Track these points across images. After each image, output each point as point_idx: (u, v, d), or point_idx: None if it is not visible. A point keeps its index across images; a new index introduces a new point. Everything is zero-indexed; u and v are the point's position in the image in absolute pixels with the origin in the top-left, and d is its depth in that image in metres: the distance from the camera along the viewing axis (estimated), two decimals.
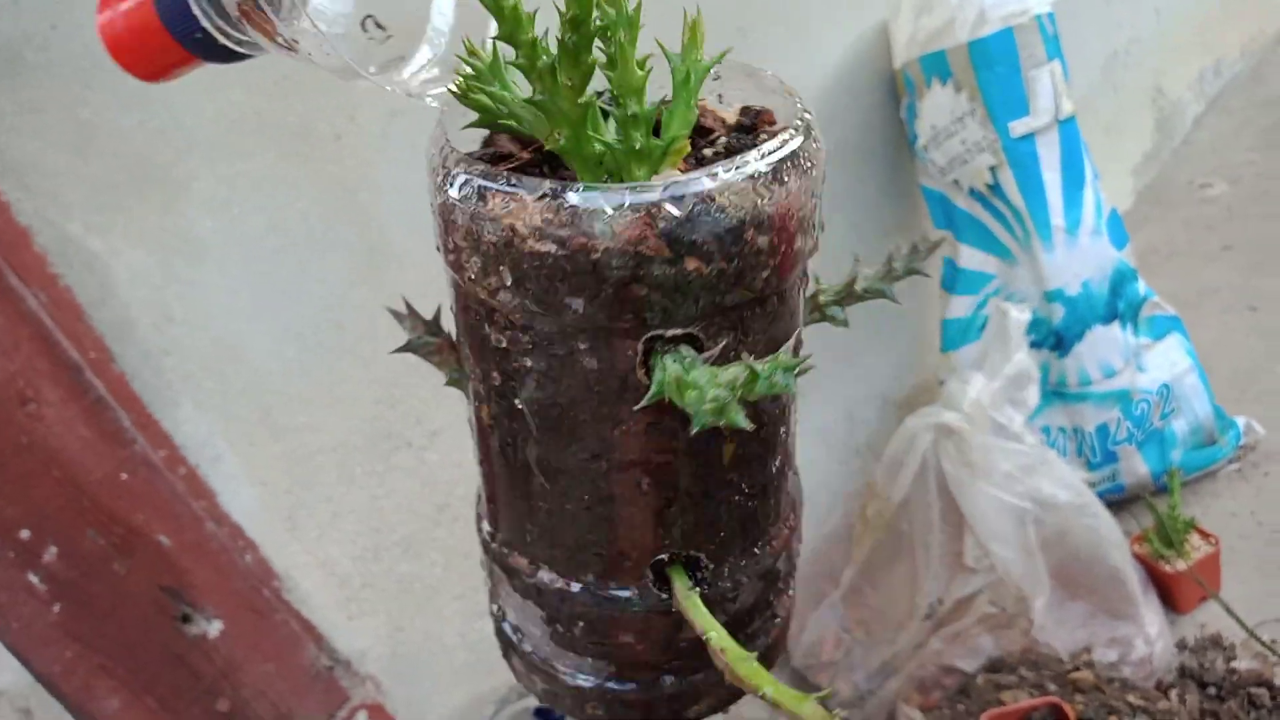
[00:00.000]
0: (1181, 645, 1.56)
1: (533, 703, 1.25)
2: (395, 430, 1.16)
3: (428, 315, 0.50)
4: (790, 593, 0.51)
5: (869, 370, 1.94)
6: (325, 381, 1.10)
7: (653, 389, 0.35)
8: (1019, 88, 1.55)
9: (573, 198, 0.34)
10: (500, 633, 0.51)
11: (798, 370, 0.32)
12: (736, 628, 0.45)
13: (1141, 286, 1.77)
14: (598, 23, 0.35)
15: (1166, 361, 1.76)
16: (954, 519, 1.49)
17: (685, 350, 0.36)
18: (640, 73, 0.36)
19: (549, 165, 0.41)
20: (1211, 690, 1.45)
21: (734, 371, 0.32)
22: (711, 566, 0.43)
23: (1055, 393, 1.76)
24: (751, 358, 0.33)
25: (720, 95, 0.46)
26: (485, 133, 0.44)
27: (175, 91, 0.97)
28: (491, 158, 0.43)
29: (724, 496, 0.41)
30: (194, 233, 1.00)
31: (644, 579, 0.42)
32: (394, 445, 1.17)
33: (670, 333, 0.36)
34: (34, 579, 0.94)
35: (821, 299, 0.50)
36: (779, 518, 0.46)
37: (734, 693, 0.47)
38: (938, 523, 1.50)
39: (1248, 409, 1.90)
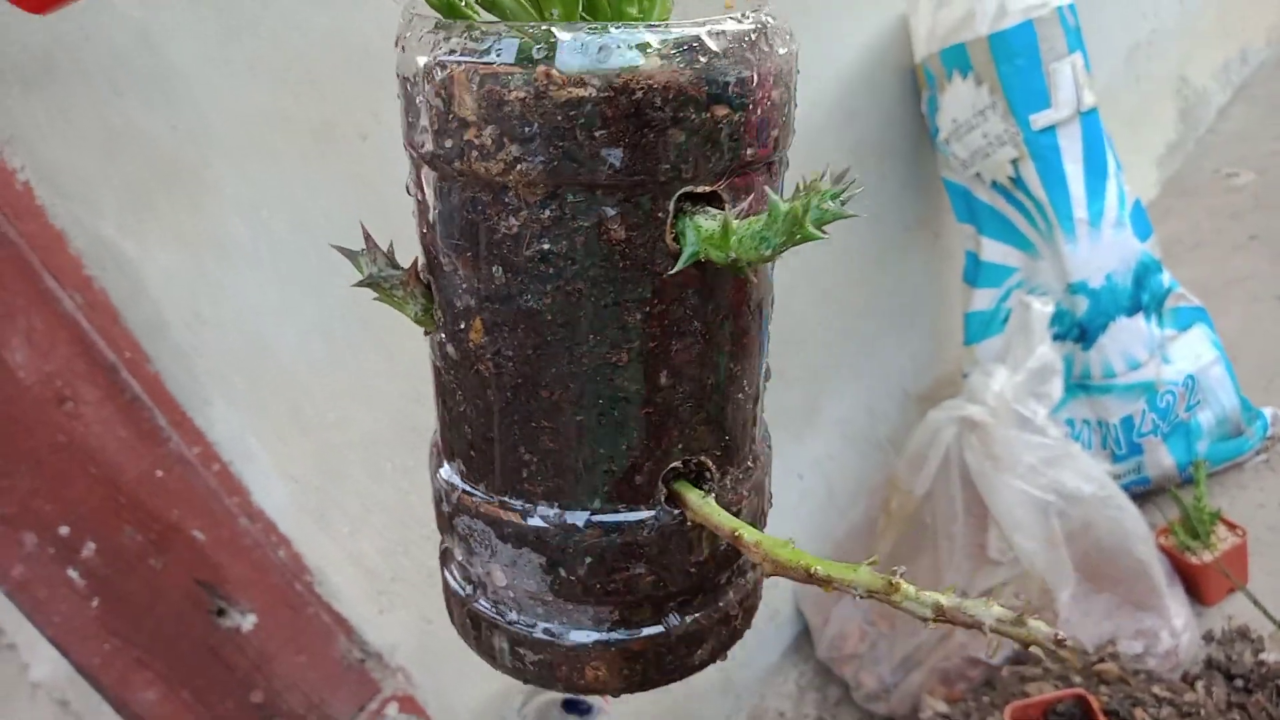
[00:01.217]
0: (1208, 637, 1.56)
1: (562, 693, 1.26)
2: (423, 424, 1.18)
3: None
4: (766, 517, 0.48)
5: (890, 364, 1.94)
6: (353, 377, 1.12)
7: (689, 248, 0.34)
8: (1040, 80, 1.55)
9: (612, 35, 0.32)
10: (472, 617, 0.47)
11: (843, 196, 0.31)
12: (738, 551, 0.42)
13: (1166, 278, 1.76)
14: None
15: (1191, 353, 1.75)
16: (977, 512, 1.50)
17: (713, 210, 0.34)
18: None
19: None
20: (1239, 682, 1.45)
21: (785, 208, 0.31)
22: (718, 476, 0.41)
23: (1079, 385, 1.76)
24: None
25: None
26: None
27: (204, 94, 0.99)
28: None
29: (731, 393, 0.40)
30: (223, 234, 1.02)
31: (657, 494, 0.40)
32: (422, 439, 1.18)
33: (701, 188, 0.34)
34: (73, 574, 0.97)
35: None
36: (758, 426, 0.44)
37: (734, 633, 0.45)
38: (961, 516, 1.51)
39: (1275, 399, 1.89)
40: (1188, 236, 2.53)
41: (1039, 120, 1.56)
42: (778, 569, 0.36)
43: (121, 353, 0.97)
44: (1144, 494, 1.77)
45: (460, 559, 0.45)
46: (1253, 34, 3.18)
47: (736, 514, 0.41)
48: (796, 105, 0.39)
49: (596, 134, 0.32)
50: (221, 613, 1.04)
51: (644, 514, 0.40)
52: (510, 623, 0.45)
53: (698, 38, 0.32)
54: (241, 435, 1.04)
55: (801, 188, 0.32)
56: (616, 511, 0.40)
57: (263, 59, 1.01)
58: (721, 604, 0.41)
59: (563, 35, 0.32)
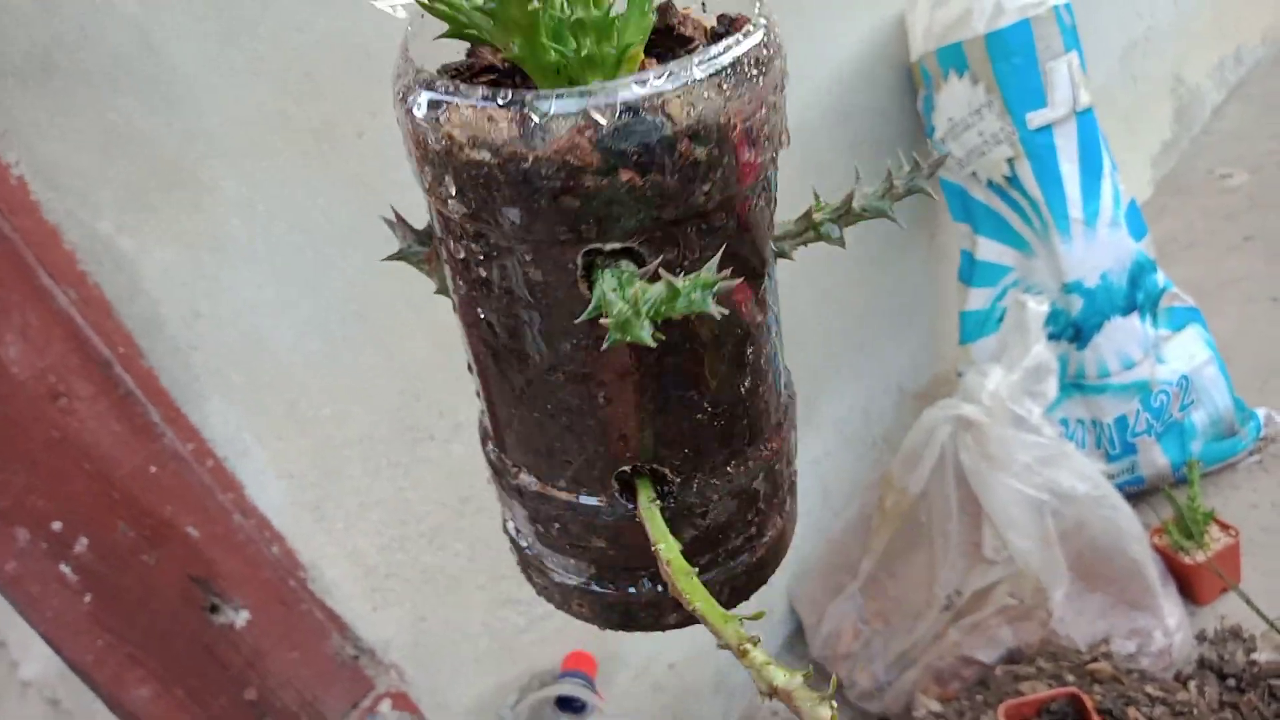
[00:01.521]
0: (1201, 637, 1.56)
1: (555, 690, 1.26)
2: (420, 422, 1.18)
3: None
4: (782, 514, 0.50)
5: (885, 363, 1.94)
6: (350, 374, 1.11)
7: (592, 303, 0.34)
8: (1036, 79, 1.56)
9: (502, 104, 0.33)
10: (506, 530, 0.52)
11: (716, 288, 0.31)
12: (710, 544, 0.46)
13: (1160, 278, 1.77)
14: None
15: (1185, 353, 1.75)
16: (972, 510, 1.50)
17: (625, 264, 0.35)
18: None
19: (522, 76, 0.39)
20: (1231, 682, 1.46)
21: (656, 289, 0.32)
22: (678, 480, 0.43)
23: (1074, 385, 1.76)
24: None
25: (704, 3, 0.44)
26: (467, 45, 0.43)
27: (203, 94, 0.99)
28: (471, 69, 0.42)
29: (683, 413, 0.41)
30: (221, 231, 1.01)
31: (610, 489, 0.43)
32: (418, 437, 1.18)
33: (609, 247, 0.35)
34: (66, 570, 0.96)
35: (816, 216, 0.47)
36: (756, 438, 0.45)
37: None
38: (956, 514, 1.51)
39: (1269, 400, 1.89)
40: (1182, 236, 2.54)
41: (1035, 119, 1.57)
42: (675, 593, 0.38)
43: (116, 348, 0.96)
44: (1138, 494, 1.77)
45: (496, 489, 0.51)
46: (1248, 33, 3.18)
47: (702, 515, 0.44)
48: (785, 142, 0.39)
49: (494, 194, 0.34)
50: (215, 609, 1.04)
51: (598, 501, 0.43)
52: (523, 547, 0.49)
53: (587, 110, 0.32)
54: (237, 431, 1.04)
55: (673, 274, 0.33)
56: (577, 494, 0.44)
57: (262, 59, 1.01)
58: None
59: (468, 100, 0.34)
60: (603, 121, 0.32)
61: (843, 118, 1.73)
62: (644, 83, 0.33)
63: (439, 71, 0.40)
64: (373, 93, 1.10)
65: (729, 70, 0.34)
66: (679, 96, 0.33)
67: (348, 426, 1.12)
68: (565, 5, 0.35)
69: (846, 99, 1.73)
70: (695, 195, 0.35)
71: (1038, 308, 1.52)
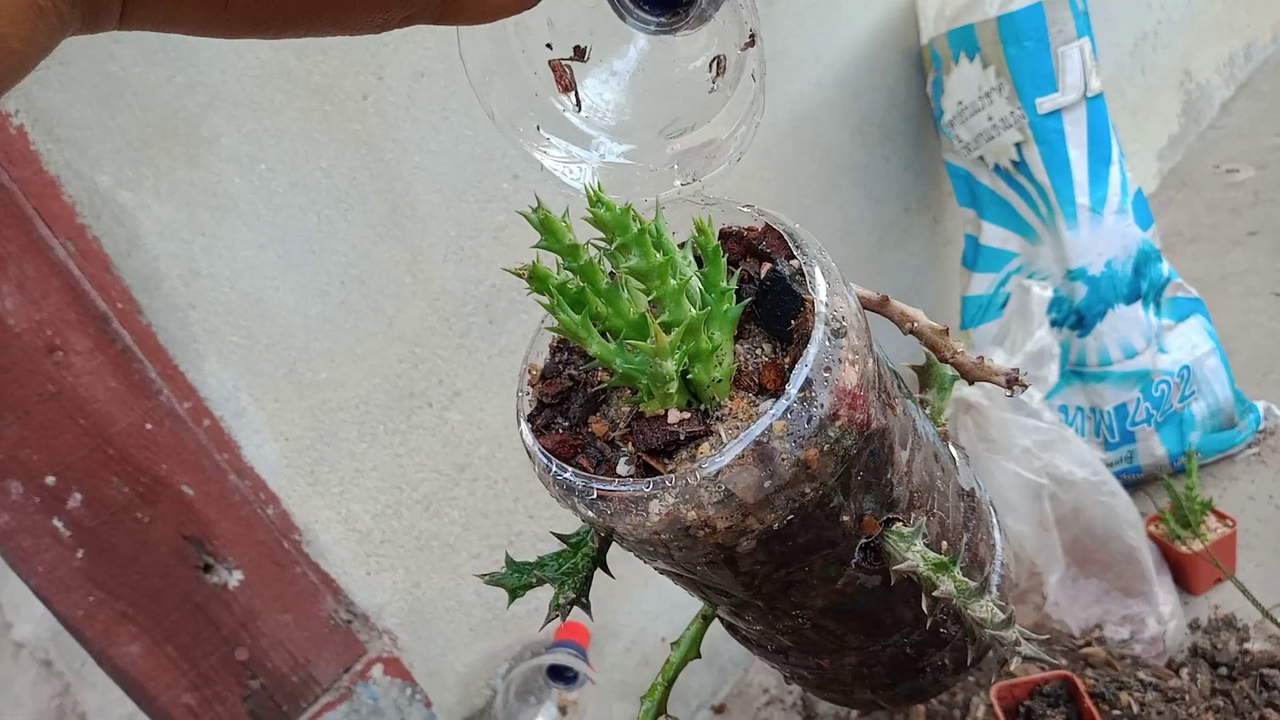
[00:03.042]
0: (1194, 625, 1.56)
1: (547, 660, 1.26)
2: (418, 389, 1.17)
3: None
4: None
5: (888, 346, 1.93)
6: (349, 338, 1.11)
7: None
8: (1048, 63, 1.54)
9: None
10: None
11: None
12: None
13: (1165, 267, 1.76)
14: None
15: (1188, 343, 1.75)
16: None
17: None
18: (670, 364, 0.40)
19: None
20: (1223, 670, 1.45)
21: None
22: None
23: (1074, 372, 1.76)
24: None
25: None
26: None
27: (203, 47, 0.98)
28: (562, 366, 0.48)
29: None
30: (221, 188, 1.00)
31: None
32: (416, 404, 1.18)
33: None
34: (59, 525, 0.96)
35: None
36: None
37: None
38: None
39: (1268, 393, 1.89)
40: (1186, 230, 2.53)
41: (1045, 104, 1.55)
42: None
43: (114, 303, 0.96)
44: (1135, 482, 1.77)
45: None
46: (1259, 29, 3.17)
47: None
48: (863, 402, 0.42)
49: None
50: (208, 569, 1.03)
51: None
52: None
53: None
54: (234, 391, 1.04)
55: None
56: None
57: None
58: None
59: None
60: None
61: (852, 99, 1.72)
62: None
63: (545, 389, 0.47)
64: (377, 54, 1.09)
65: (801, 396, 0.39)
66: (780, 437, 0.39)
67: (345, 390, 1.12)
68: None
69: (855, 80, 1.72)
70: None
71: (1042, 293, 1.51)
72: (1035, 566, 1.47)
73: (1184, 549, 1.56)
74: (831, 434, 0.39)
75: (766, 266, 0.45)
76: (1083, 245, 1.64)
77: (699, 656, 0.54)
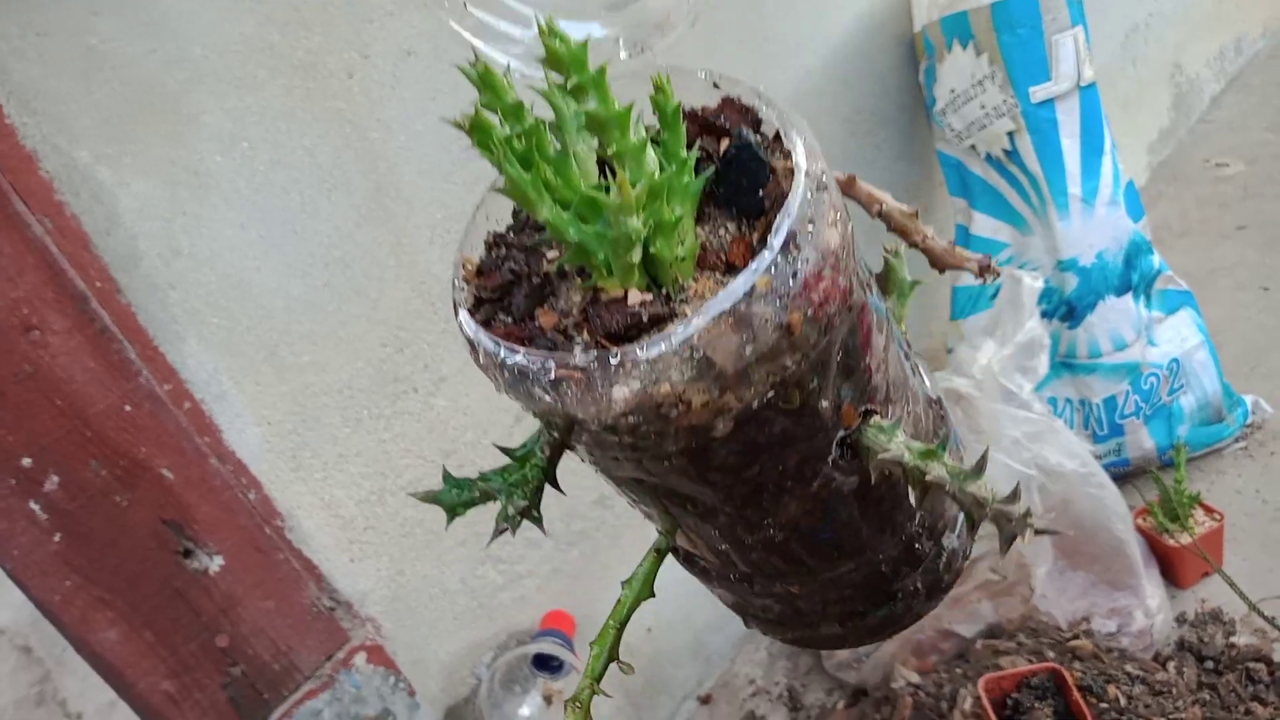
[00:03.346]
0: (1181, 619, 1.56)
1: (532, 649, 1.25)
2: (403, 374, 1.16)
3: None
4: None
5: None
6: (332, 321, 1.09)
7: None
8: (1041, 51, 1.53)
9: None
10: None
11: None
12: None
13: (1156, 259, 1.76)
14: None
15: (1177, 336, 1.74)
16: None
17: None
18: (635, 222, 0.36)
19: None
20: (1210, 664, 1.45)
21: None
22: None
23: (1064, 364, 1.75)
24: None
25: (715, 82, 0.45)
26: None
27: (185, 21, 0.96)
28: (522, 226, 0.45)
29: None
30: (202, 166, 0.98)
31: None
32: (401, 389, 1.16)
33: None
34: (35, 508, 0.94)
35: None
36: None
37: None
38: None
39: (1256, 387, 1.89)
40: (1176, 224, 2.53)
41: (1038, 93, 1.54)
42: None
43: (92, 282, 0.94)
44: (1123, 475, 1.77)
45: None
46: (1249, 23, 3.17)
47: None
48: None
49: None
50: (188, 554, 1.01)
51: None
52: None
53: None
54: (215, 374, 1.02)
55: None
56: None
57: None
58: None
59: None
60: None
61: (843, 86, 1.71)
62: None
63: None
64: (362, 31, 1.07)
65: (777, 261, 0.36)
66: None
67: (328, 374, 1.10)
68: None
69: (847, 67, 1.71)
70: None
71: (1033, 283, 1.50)
72: (1023, 558, 1.46)
73: (1172, 542, 1.55)
74: (815, 297, 0.36)
75: (726, 142, 0.42)
76: (1074, 236, 1.63)
77: (652, 595, 0.50)
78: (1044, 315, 1.69)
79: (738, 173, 0.40)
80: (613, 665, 0.47)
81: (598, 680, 0.46)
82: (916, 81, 1.78)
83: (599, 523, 1.41)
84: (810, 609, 0.52)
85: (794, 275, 0.36)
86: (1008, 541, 0.40)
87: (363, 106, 1.08)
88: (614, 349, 0.36)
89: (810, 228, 0.37)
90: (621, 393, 0.36)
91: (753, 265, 0.35)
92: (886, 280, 0.58)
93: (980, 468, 0.41)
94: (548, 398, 0.37)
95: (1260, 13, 3.22)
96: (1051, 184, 1.60)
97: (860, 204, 0.49)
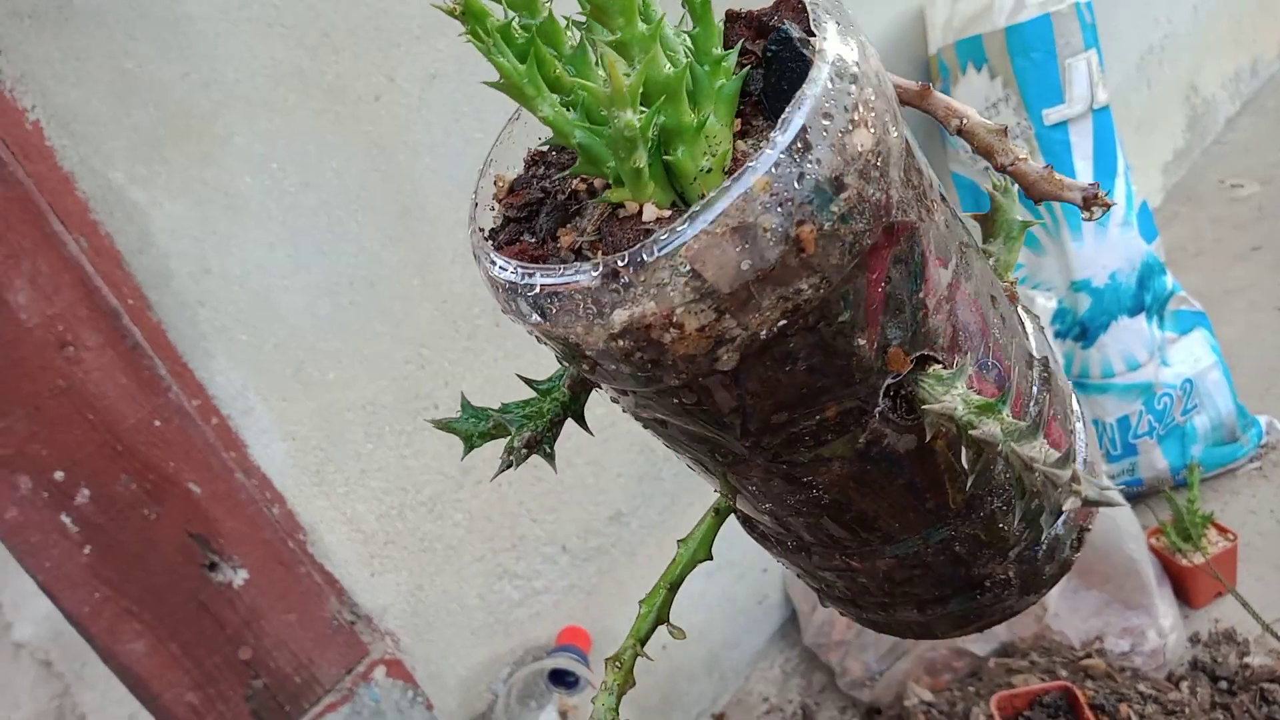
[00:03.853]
0: (1195, 639, 1.56)
1: (549, 664, 1.26)
2: (424, 390, 1.18)
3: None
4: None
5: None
6: (357, 339, 1.11)
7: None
8: (1054, 75, 1.55)
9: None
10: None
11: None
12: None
13: (1169, 280, 1.77)
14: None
15: (1190, 356, 1.75)
16: None
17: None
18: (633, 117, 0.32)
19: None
20: (1223, 684, 1.45)
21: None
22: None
23: (1077, 384, 1.76)
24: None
25: None
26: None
27: (218, 45, 0.99)
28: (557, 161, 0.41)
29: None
30: (233, 187, 1.01)
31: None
32: (423, 405, 1.18)
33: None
34: (66, 520, 0.96)
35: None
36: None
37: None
38: None
39: (1271, 407, 1.89)
40: (1190, 244, 2.53)
41: (1051, 115, 1.56)
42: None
43: (125, 300, 0.96)
44: (1137, 495, 1.77)
45: None
46: (1265, 45, 3.18)
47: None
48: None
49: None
50: (213, 567, 1.03)
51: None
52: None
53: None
54: (242, 390, 1.04)
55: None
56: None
57: (280, 13, 1.00)
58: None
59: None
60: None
61: None
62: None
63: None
64: (389, 55, 1.09)
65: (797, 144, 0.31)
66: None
67: (353, 391, 1.12)
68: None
69: None
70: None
71: (1046, 304, 1.51)
72: None
73: (1185, 562, 1.56)
74: (835, 209, 0.31)
75: (776, 32, 0.36)
76: (1087, 257, 1.65)
77: (710, 558, 0.46)
78: (1057, 335, 1.70)
79: (777, 74, 0.36)
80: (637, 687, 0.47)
81: (643, 642, 0.44)
82: None
83: (615, 539, 1.42)
84: (877, 588, 0.47)
85: (800, 177, 0.31)
86: (1054, 512, 0.36)
87: (389, 129, 1.10)
88: (589, 263, 0.32)
89: (827, 123, 0.31)
90: (609, 313, 0.32)
91: (751, 163, 0.31)
92: (993, 221, 0.50)
93: (1036, 425, 0.35)
94: (537, 317, 0.34)
95: (1276, 35, 3.23)
96: (1065, 205, 1.61)
97: (937, 119, 0.41)
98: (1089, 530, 0.46)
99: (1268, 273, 2.34)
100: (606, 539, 1.42)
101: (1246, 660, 1.50)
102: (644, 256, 0.31)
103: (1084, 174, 1.61)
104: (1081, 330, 1.70)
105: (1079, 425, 0.48)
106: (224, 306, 1.02)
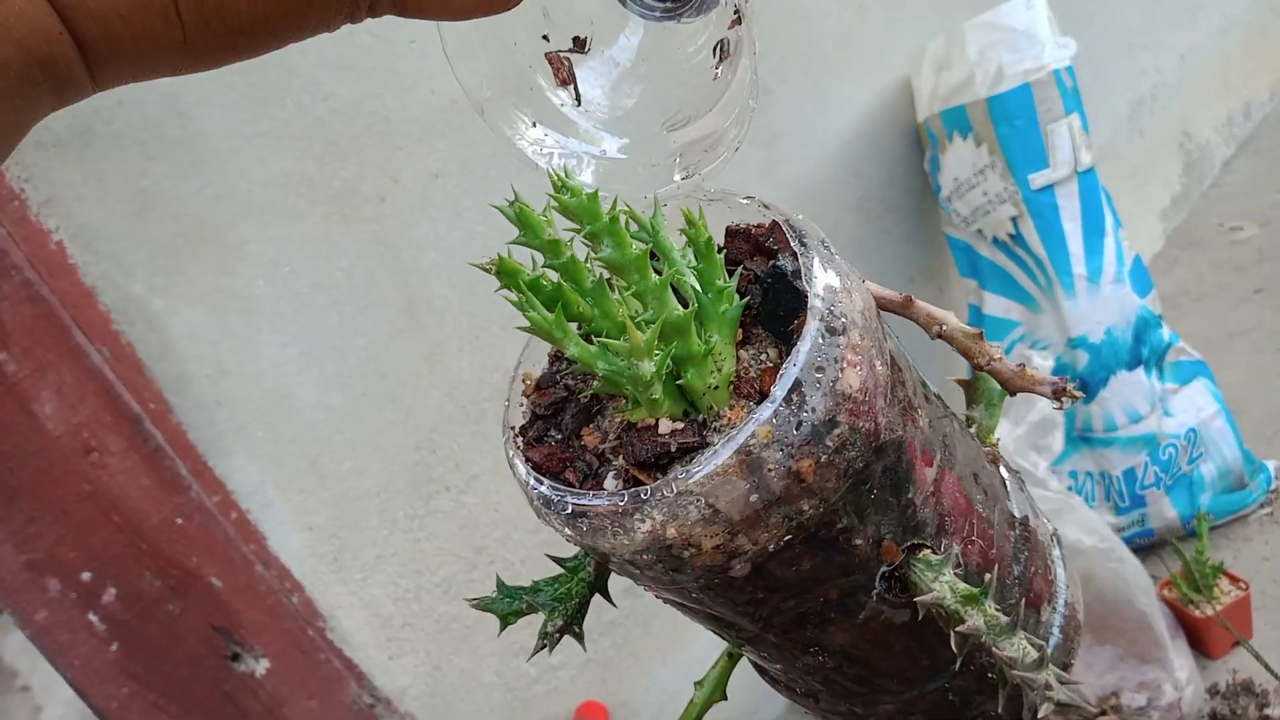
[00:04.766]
0: (1213, 690, 1.56)
1: None
2: (435, 475, 1.21)
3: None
4: None
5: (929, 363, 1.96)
6: (370, 428, 1.15)
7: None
8: (1038, 141, 1.60)
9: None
10: None
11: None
12: None
13: (1166, 332, 1.79)
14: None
15: (1193, 406, 1.77)
16: None
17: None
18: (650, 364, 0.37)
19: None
20: None
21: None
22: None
23: (1081, 438, 1.78)
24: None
25: (763, 205, 0.45)
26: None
27: (230, 158, 1.04)
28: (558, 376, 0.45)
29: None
30: (247, 291, 1.06)
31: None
32: (434, 489, 1.21)
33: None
34: (94, 619, 1.00)
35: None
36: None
37: None
38: None
39: (1278, 452, 1.90)
40: (1192, 289, 2.55)
41: (1037, 180, 1.60)
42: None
43: (146, 404, 1.01)
44: (1148, 546, 1.78)
45: None
46: (1256, 88, 3.22)
47: None
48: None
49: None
50: (236, 657, 1.07)
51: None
52: None
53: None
54: (260, 484, 1.08)
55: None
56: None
57: (287, 126, 1.06)
58: None
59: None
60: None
61: (853, 175, 1.78)
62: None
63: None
64: (392, 158, 1.15)
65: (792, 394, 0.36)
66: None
67: (366, 479, 1.16)
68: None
69: (855, 157, 1.78)
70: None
71: (1043, 362, 1.54)
72: None
73: (1198, 613, 1.56)
74: (830, 444, 0.35)
75: (771, 264, 0.41)
76: (1082, 314, 1.68)
77: (724, 698, 0.49)
78: None
79: (774, 302, 0.41)
80: None
81: None
82: (923, 168, 1.84)
83: (629, 612, 1.44)
84: None
85: (798, 424, 0.35)
86: (1030, 711, 0.40)
87: (395, 228, 1.15)
88: (619, 493, 0.37)
89: (819, 375, 0.36)
90: (633, 533, 0.36)
91: (755, 414, 0.35)
92: (973, 389, 0.55)
93: (1015, 624, 0.39)
94: (569, 530, 0.38)
95: (1267, 77, 3.28)
96: (1056, 265, 1.65)
97: (919, 325, 0.47)
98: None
99: (1270, 315, 2.35)
100: (620, 612, 1.45)
101: (1266, 712, 1.49)
102: (664, 492, 0.35)
103: (1073, 235, 1.64)
104: (1081, 386, 1.73)
105: (1060, 571, 0.53)
106: (241, 405, 1.06)
